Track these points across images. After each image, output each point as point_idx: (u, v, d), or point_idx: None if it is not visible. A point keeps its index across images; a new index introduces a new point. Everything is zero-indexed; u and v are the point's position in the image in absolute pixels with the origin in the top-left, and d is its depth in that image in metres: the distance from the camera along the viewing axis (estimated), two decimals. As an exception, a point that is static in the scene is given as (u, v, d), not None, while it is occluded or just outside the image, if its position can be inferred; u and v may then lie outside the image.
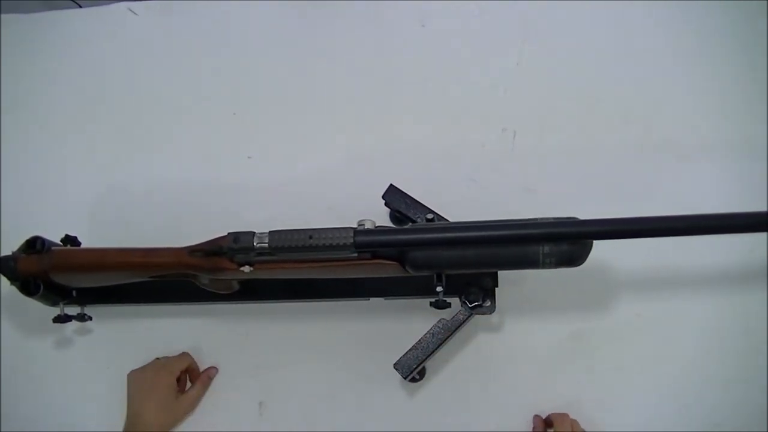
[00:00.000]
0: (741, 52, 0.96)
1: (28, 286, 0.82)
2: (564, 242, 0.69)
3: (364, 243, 0.70)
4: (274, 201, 0.99)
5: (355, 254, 0.71)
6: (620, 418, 0.86)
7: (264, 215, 0.97)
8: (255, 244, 0.71)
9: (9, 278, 0.83)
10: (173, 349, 0.95)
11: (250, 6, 1.09)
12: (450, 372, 0.91)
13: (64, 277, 0.83)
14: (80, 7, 1.25)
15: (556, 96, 0.99)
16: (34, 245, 0.83)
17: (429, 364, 0.89)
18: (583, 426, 0.83)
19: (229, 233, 0.72)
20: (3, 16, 1.14)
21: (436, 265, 0.73)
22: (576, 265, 0.71)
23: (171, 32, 1.10)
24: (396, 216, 0.91)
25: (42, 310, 0.97)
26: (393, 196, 0.88)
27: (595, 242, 0.70)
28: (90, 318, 0.90)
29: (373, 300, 0.89)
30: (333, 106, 1.03)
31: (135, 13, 1.12)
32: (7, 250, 0.84)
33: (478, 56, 1.02)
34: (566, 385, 0.88)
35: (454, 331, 0.82)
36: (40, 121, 1.08)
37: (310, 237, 0.69)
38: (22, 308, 0.99)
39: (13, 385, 0.97)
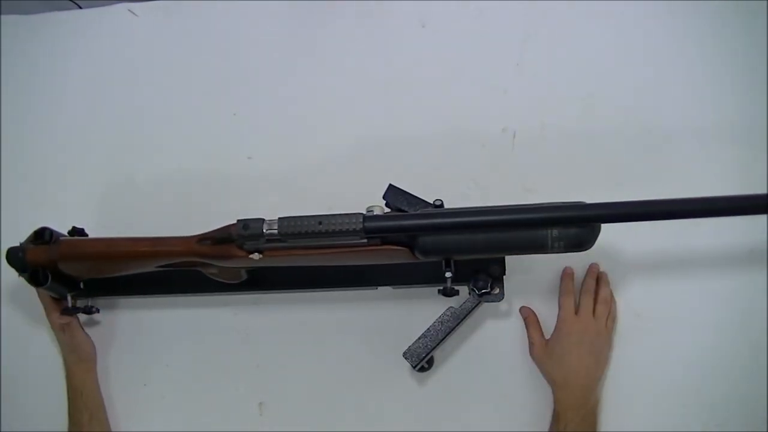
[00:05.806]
0: (741, 51, 0.96)
1: (37, 276, 0.82)
2: (573, 226, 0.69)
3: (373, 228, 0.70)
4: (276, 201, 0.99)
5: (365, 240, 0.71)
6: (620, 418, 0.86)
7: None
8: (264, 230, 0.70)
9: (17, 269, 0.82)
10: (173, 349, 0.95)
11: (250, 6, 1.09)
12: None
13: (72, 267, 0.83)
14: (80, 7, 1.25)
15: (556, 96, 0.98)
16: (42, 236, 0.83)
17: (437, 354, 0.88)
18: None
19: (238, 220, 0.72)
20: (3, 16, 1.14)
21: (445, 251, 0.72)
22: (584, 249, 0.71)
23: (171, 33, 1.10)
24: None
25: (42, 310, 0.97)
26: (394, 195, 0.86)
27: (600, 236, 0.71)
28: (98, 310, 0.91)
29: (380, 294, 0.88)
30: (333, 107, 1.03)
31: (135, 14, 1.12)
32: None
33: (478, 56, 1.02)
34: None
35: (463, 318, 0.81)
36: (41, 122, 1.08)
37: (320, 223, 0.69)
38: (23, 308, 0.99)
39: (13, 385, 0.98)
